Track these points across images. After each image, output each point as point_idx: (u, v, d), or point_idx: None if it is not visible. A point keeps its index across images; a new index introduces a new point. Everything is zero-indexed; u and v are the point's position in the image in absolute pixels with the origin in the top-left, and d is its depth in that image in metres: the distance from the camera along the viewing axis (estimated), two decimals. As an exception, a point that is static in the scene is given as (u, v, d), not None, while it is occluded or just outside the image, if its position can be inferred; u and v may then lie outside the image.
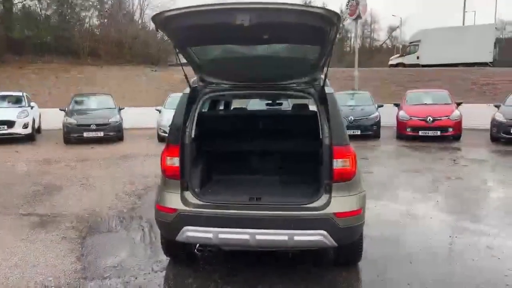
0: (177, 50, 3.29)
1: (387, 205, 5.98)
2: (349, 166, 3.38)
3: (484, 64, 25.45)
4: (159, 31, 2.88)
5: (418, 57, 27.98)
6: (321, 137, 3.48)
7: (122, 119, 13.98)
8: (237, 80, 3.75)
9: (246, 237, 3.28)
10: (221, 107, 6.21)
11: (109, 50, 26.90)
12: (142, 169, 8.85)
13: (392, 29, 52.22)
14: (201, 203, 3.47)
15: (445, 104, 13.10)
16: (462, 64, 24.63)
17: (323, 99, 3.51)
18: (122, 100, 20.24)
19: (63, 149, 12.22)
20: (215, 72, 3.68)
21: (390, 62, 30.76)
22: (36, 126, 14.89)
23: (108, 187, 7.30)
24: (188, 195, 3.52)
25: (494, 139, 11.94)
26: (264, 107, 10.79)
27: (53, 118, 15.51)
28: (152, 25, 2.96)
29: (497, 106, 12.45)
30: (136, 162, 9.78)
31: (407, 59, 28.68)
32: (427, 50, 27.19)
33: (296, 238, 3.25)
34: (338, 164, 3.35)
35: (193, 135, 3.70)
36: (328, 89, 3.52)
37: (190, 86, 3.66)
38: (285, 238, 3.25)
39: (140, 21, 30.07)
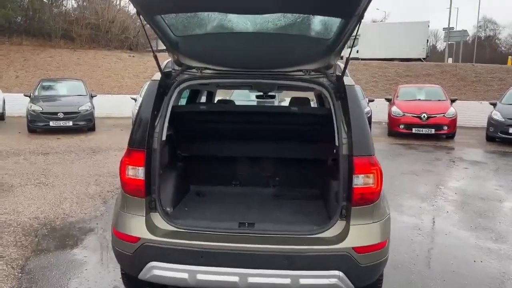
0: (143, 19, 2.33)
1: (392, 217, 5.18)
2: (374, 184, 2.54)
3: (418, 60, 25.69)
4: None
5: (357, 51, 27.89)
6: (337, 143, 2.62)
7: (94, 107, 12.82)
8: (224, 64, 2.79)
9: (235, 279, 2.41)
10: (202, 100, 5.27)
11: (83, 33, 25.24)
12: (112, 165, 7.82)
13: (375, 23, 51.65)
14: (173, 229, 2.57)
15: (440, 100, 12.48)
16: (397, 59, 24.70)
17: (340, 93, 2.64)
18: (96, 86, 19.06)
19: (26, 139, 11.02)
20: (196, 53, 2.73)
21: None
22: (-3, 112, 13.62)
23: (69, 187, 6.29)
24: (156, 218, 2.62)
25: (490, 138, 11.41)
26: (249, 99, 9.86)
27: (20, 104, 14.22)
28: (131, 8, 2.06)
29: (493, 104, 11.89)
30: (106, 157, 8.74)
31: (348, 53, 28.51)
32: (366, 45, 27.20)
33: (303, 281, 2.40)
34: (359, 181, 2.51)
35: (164, 137, 2.77)
36: (347, 80, 2.65)
37: (161, 71, 2.72)
38: (287, 281, 2.40)
39: (118, 3, 28.38)
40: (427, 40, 28.95)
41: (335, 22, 2.35)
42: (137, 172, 2.62)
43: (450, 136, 11.93)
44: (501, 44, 54.26)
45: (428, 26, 29.85)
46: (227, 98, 9.82)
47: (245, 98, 9.91)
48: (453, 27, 34.11)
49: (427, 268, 3.76)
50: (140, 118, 2.68)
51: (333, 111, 2.65)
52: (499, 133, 10.94)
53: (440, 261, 3.89)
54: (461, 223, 5.03)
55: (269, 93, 4.85)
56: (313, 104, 5.55)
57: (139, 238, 2.52)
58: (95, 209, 5.29)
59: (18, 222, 4.73)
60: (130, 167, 2.64)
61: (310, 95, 5.42)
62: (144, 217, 2.58)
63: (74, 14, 27.36)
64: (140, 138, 2.63)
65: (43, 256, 3.86)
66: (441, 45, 54.75)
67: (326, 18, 2.35)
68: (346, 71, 2.63)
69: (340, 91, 2.64)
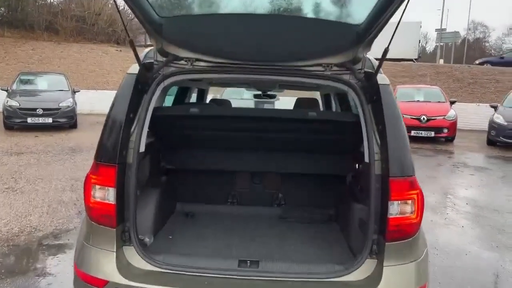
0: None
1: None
2: (413, 214, 1.97)
3: (409, 60, 25.23)
4: None
5: None
6: (366, 159, 2.04)
7: (76, 104, 12.06)
8: (222, 55, 2.17)
9: None
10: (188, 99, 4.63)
11: (68, 25, 24.24)
12: (91, 168, 7.12)
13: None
14: (152, 269, 1.96)
15: (439, 102, 12.03)
16: (389, 59, 24.30)
17: (372, 94, 2.06)
18: (80, 81, 18.24)
19: (0, 137, 10.22)
20: (186, 39, 2.11)
21: None
22: (-28, 107, 12.72)
23: (41, 193, 5.61)
24: (130, 253, 2.02)
25: (491, 142, 11.01)
26: (243, 97, 9.22)
27: (-1, 99, 13.36)
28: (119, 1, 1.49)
29: (494, 107, 11.48)
30: (86, 158, 8.02)
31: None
32: None
33: None
34: (394, 209, 1.93)
35: (143, 147, 2.16)
36: (381, 78, 2.08)
37: (139, 62, 2.10)
38: None
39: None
40: (419, 41, 28.94)
41: (370, 2, 1.78)
42: (107, 194, 2.01)
43: (450, 139, 11.49)
44: (490, 46, 54.50)
45: (421, 27, 29.71)
46: (218, 96, 9.17)
47: (238, 96, 9.23)
48: (445, 28, 34.09)
49: (453, 300, 3.22)
50: (111, 122, 2.07)
51: (362, 117, 2.08)
52: (501, 137, 10.53)
53: (467, 290, 3.36)
54: (480, 241, 4.52)
55: (269, 92, 4.24)
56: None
57: (106, 282, 1.92)
58: (68, 220, 4.65)
59: (-24, 237, 4.07)
60: (97, 187, 2.03)
61: (314, 94, 4.85)
62: (115, 253, 1.98)
63: (59, 5, 26.32)
64: (110, 149, 2.03)
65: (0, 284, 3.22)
66: (430, 47, 54.85)
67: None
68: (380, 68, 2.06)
69: (372, 92, 2.06)
